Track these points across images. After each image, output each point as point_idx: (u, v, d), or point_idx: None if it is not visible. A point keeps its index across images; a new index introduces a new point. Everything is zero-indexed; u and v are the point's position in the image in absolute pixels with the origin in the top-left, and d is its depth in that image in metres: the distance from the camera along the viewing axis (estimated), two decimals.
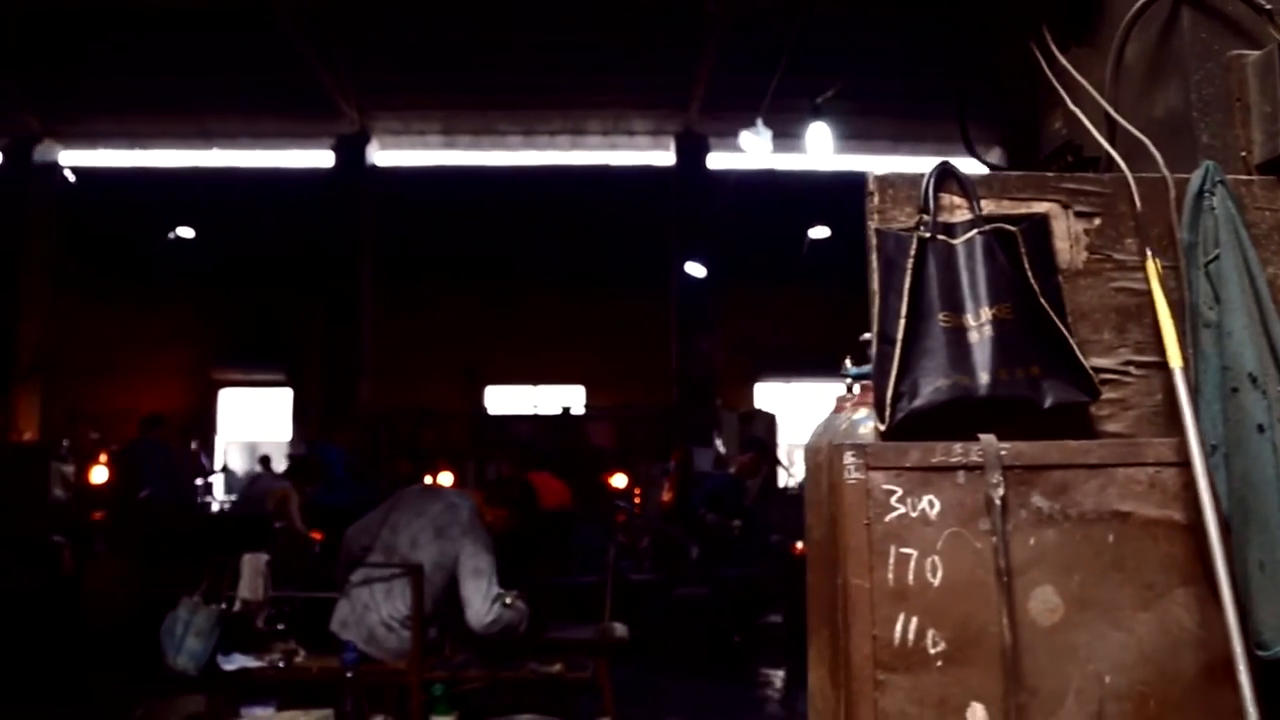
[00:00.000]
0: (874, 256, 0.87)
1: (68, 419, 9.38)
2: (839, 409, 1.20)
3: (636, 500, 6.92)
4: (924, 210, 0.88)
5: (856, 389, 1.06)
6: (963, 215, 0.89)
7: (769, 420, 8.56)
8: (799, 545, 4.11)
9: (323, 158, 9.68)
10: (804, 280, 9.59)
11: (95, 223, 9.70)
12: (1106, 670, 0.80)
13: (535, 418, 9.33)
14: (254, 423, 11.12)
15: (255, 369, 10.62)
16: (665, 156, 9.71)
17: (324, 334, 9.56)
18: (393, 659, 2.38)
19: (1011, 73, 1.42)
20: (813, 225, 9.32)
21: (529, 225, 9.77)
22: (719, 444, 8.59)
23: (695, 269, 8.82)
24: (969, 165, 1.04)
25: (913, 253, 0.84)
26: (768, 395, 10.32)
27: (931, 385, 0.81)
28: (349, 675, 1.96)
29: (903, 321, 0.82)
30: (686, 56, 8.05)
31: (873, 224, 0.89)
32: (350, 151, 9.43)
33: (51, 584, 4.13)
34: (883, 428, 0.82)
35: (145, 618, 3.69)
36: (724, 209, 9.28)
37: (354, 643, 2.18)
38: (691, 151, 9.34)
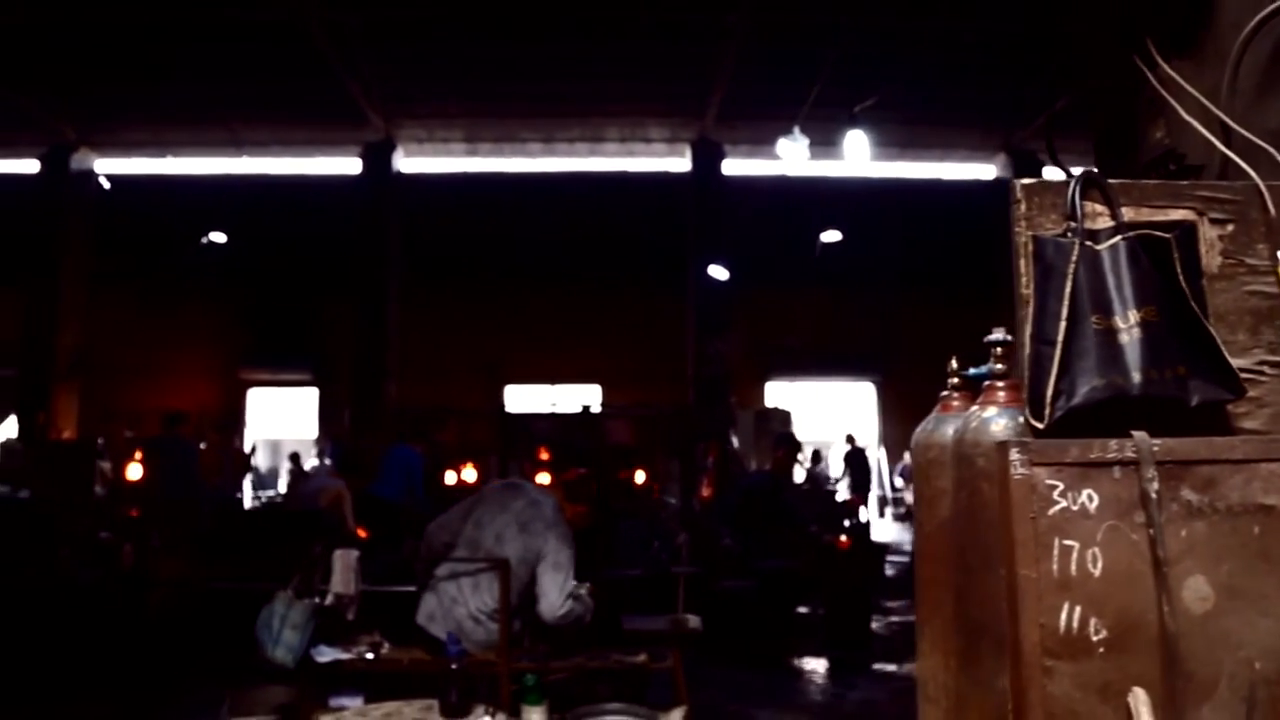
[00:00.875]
0: (1026, 262, 0.91)
1: (102, 418, 9.60)
2: (946, 408, 1.24)
3: (655, 496, 6.98)
4: (1070, 217, 0.92)
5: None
6: (1104, 222, 0.94)
7: (784, 417, 8.61)
8: (843, 539, 4.16)
9: (349, 165, 9.84)
10: (815, 282, 9.66)
11: (129, 228, 9.93)
12: (1256, 656, 0.84)
13: (556, 416, 9.43)
14: (279, 421, 11.30)
15: (282, 369, 10.82)
16: (680, 163, 9.81)
17: (352, 335, 9.72)
18: (479, 650, 2.45)
19: (1103, 83, 1.46)
20: (824, 229, 9.39)
21: (548, 229, 9.90)
22: (735, 441, 8.64)
23: (718, 271, 8.92)
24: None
25: (1074, 258, 0.88)
26: (777, 393, 10.36)
27: (1088, 385, 0.85)
28: (454, 667, 2.01)
29: (1063, 324, 0.86)
30: (703, 67, 8.16)
31: (1023, 231, 0.93)
32: (377, 159, 9.60)
33: (112, 579, 4.24)
34: (1040, 425, 0.86)
35: (209, 611, 3.79)
36: (738, 213, 9.36)
37: (452, 634, 2.25)
38: (707, 158, 9.45)
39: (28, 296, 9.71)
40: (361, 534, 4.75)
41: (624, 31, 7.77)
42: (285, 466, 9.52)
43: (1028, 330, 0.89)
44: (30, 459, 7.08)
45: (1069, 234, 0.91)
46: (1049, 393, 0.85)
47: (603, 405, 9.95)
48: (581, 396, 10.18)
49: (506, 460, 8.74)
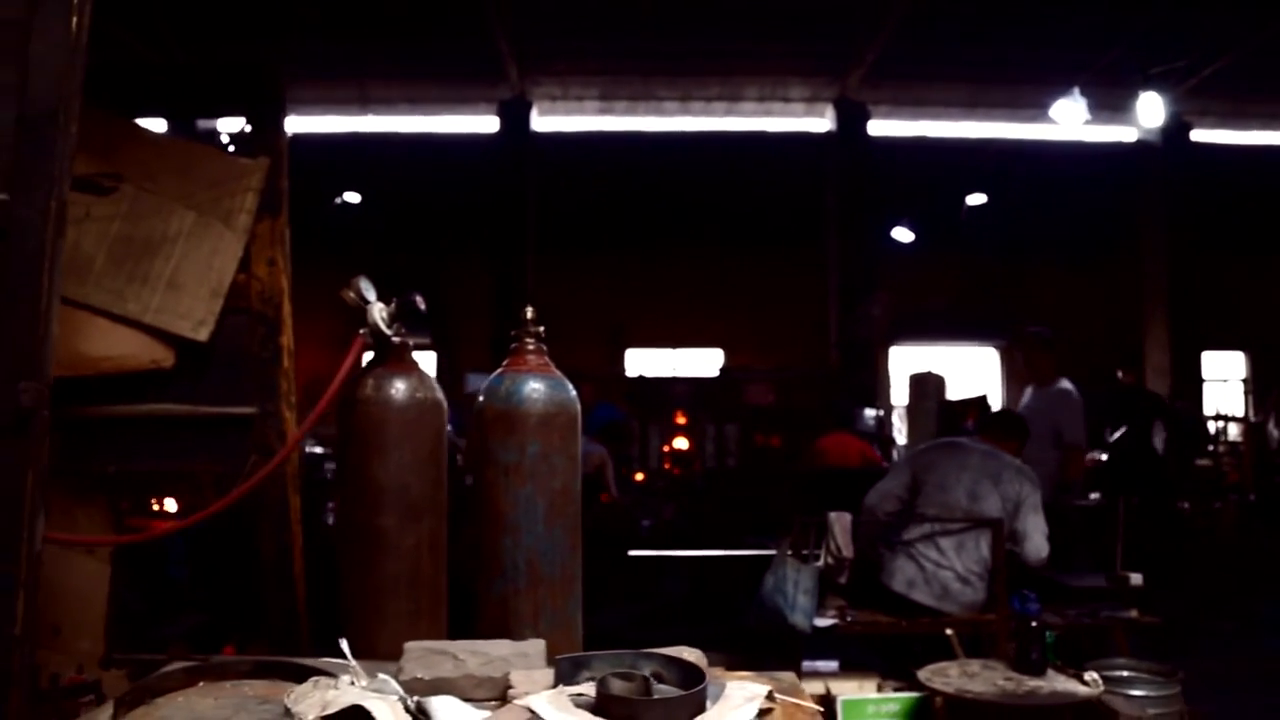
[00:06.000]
0: None
1: None
2: None
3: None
4: None
5: None
6: None
7: (939, 382, 8.69)
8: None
9: (484, 123, 9.68)
10: (947, 246, 9.64)
11: None
12: None
13: (692, 379, 9.53)
14: None
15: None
16: (819, 123, 9.68)
17: (479, 298, 9.71)
18: (963, 611, 2.55)
19: None
20: (966, 193, 9.33)
21: (677, 190, 9.79)
22: (876, 409, 8.74)
23: (903, 234, 8.94)
24: None
25: None
26: (903, 358, 10.46)
27: None
28: (1034, 624, 2.10)
29: None
30: (861, 24, 7.96)
31: None
32: (515, 117, 9.43)
33: None
34: None
35: None
36: (877, 175, 9.29)
37: (1032, 593, 2.33)
38: (851, 118, 9.32)
39: None
40: (606, 499, 4.85)
41: None
42: None
43: None
44: None
45: None
46: None
47: (730, 368, 10.06)
48: (704, 361, 10.29)
49: (646, 424, 8.90)
